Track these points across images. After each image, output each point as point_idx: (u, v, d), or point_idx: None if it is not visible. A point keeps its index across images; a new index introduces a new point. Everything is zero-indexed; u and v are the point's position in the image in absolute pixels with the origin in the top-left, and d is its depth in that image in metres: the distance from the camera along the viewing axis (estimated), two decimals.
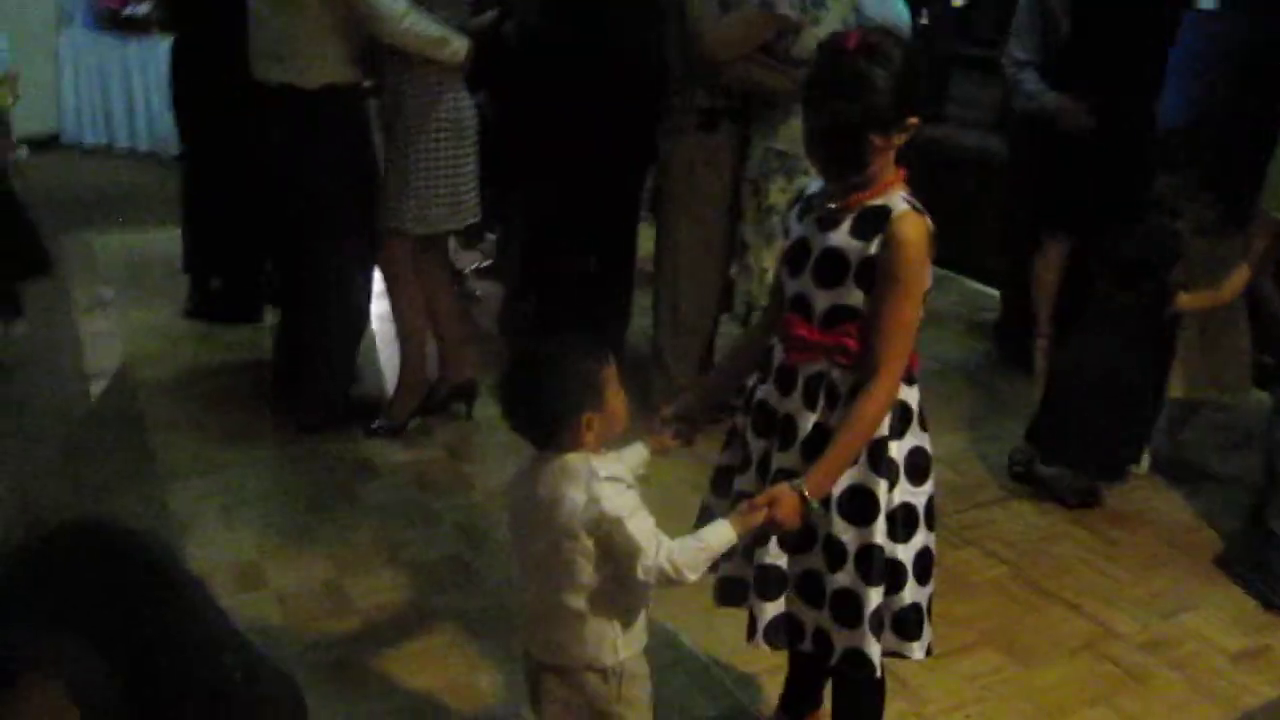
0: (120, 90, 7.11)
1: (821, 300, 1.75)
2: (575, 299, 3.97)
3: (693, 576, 1.65)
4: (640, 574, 1.62)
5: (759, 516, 1.70)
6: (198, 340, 4.23)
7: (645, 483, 1.79)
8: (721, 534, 1.69)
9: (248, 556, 2.82)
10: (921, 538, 1.83)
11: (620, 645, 1.74)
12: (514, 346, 1.55)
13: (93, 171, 6.78)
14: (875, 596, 1.78)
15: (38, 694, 1.03)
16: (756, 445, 1.89)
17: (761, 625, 1.85)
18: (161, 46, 6.87)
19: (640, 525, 1.62)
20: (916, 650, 1.86)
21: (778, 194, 3.31)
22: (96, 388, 3.77)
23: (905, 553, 1.80)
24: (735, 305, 3.60)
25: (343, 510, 3.07)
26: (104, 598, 1.11)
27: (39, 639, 1.06)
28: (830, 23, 3.19)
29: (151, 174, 6.72)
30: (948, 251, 1.81)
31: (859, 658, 1.81)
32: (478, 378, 3.64)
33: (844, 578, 1.79)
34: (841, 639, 1.82)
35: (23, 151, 5.69)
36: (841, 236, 1.73)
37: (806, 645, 1.89)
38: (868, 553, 1.78)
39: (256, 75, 3.21)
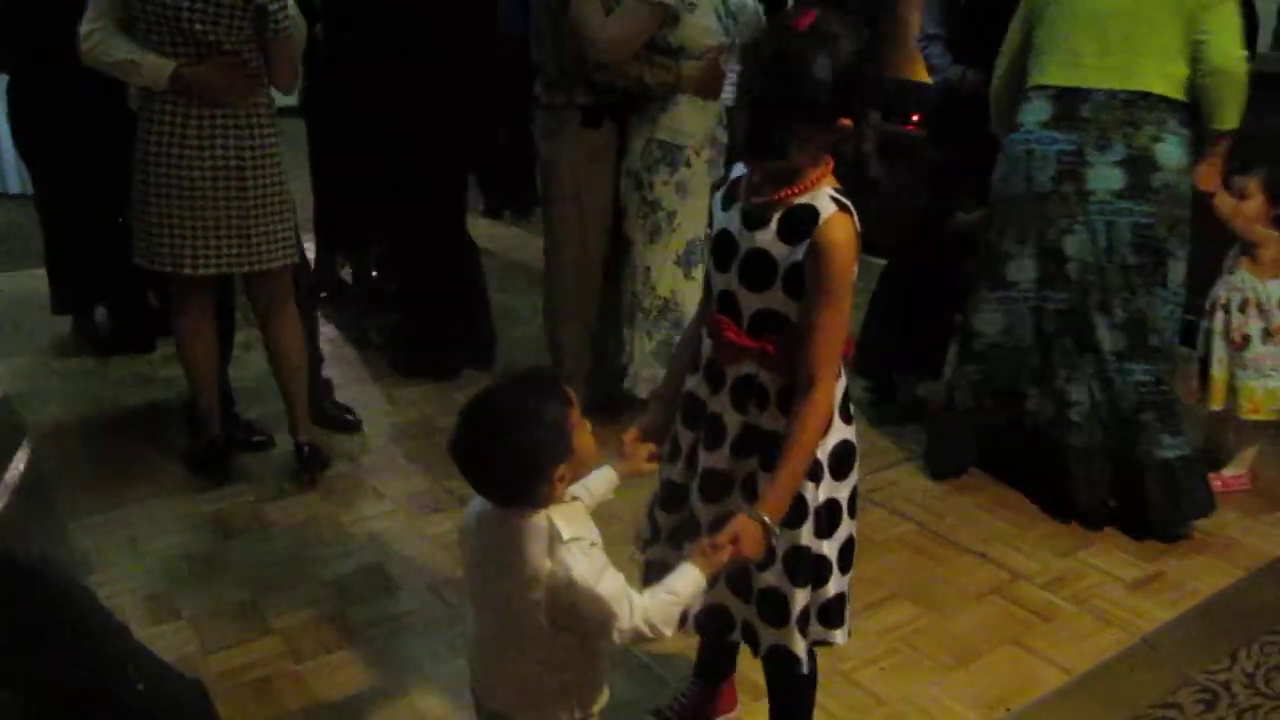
0: None
1: (749, 303, 1.73)
2: (435, 304, 4.08)
3: (669, 631, 1.58)
4: (616, 638, 1.54)
5: (724, 555, 1.64)
6: (86, 376, 4.12)
7: (609, 503, 1.77)
8: (691, 579, 1.62)
9: (159, 588, 2.76)
10: (845, 530, 1.84)
11: (576, 710, 1.66)
12: (473, 397, 1.48)
13: None
14: (802, 597, 1.80)
15: None
16: (685, 436, 1.88)
17: (693, 613, 1.86)
18: None
19: (610, 588, 1.52)
20: (839, 636, 1.88)
21: (661, 186, 3.35)
22: None
23: (830, 547, 1.81)
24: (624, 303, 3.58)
25: (251, 533, 3.03)
26: (3, 621, 1.11)
27: None
28: (704, 8, 3.26)
29: (21, 214, 6.50)
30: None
31: (785, 654, 1.84)
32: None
33: (770, 577, 1.80)
34: (768, 635, 1.85)
35: None
36: (768, 238, 1.68)
37: (736, 636, 1.91)
38: (795, 554, 1.78)
39: None
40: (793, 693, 2.01)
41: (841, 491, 1.82)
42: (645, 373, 3.47)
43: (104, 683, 1.06)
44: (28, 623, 1.10)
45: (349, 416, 3.67)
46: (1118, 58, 2.85)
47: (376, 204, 4.11)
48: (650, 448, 1.86)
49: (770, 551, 1.76)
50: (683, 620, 1.80)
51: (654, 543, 1.98)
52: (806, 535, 1.78)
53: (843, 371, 1.79)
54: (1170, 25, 2.80)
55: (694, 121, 3.33)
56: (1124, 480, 3.07)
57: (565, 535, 1.53)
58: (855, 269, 1.68)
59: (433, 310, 4.10)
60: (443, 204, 4.02)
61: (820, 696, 2.07)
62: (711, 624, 1.90)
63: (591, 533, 1.59)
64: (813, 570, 1.81)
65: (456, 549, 2.91)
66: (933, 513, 3.21)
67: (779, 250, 1.67)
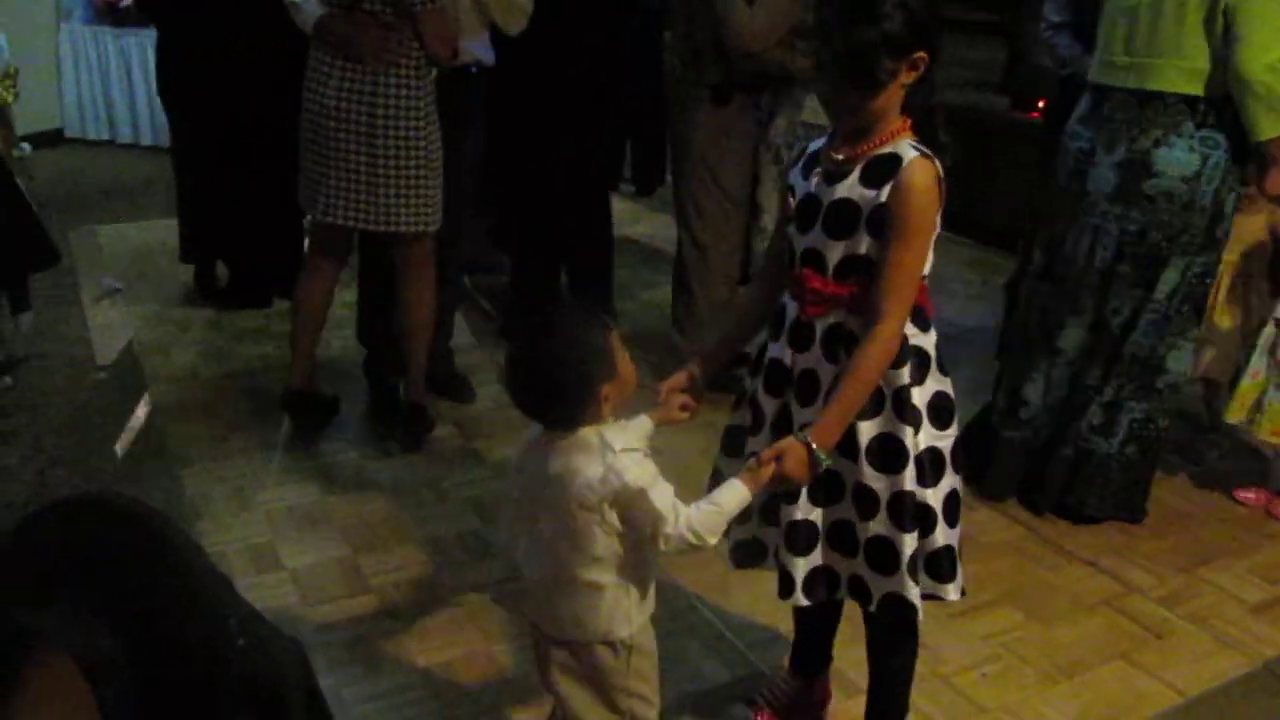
0: (121, 84, 7.11)
1: (834, 251, 1.75)
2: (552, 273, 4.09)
3: (713, 540, 1.64)
4: (662, 544, 1.61)
5: (768, 471, 1.68)
6: (206, 327, 4.23)
7: (656, 453, 1.77)
8: (736, 493, 1.67)
9: (262, 539, 2.82)
10: (949, 481, 1.83)
11: (634, 615, 1.73)
12: (514, 329, 1.51)
13: (96, 165, 6.79)
14: (910, 542, 1.79)
15: (49, 680, 1.03)
16: (770, 404, 1.88)
17: (799, 580, 1.85)
18: None
19: (661, 495, 1.60)
20: (951, 591, 1.86)
21: None
22: (109, 377, 3.77)
23: (935, 497, 1.80)
24: (751, 269, 3.62)
25: (355, 490, 3.07)
26: (102, 567, 1.11)
27: (41, 615, 1.05)
28: None
29: (154, 166, 6.72)
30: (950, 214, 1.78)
31: (899, 602, 1.82)
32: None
33: (877, 525, 1.80)
34: (879, 585, 1.83)
35: (25, 148, 5.69)
36: (850, 187, 1.72)
37: (842, 594, 1.90)
38: (899, 499, 1.78)
39: None
40: (900, 652, 1.98)
41: (944, 442, 1.81)
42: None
43: (205, 636, 1.06)
44: (133, 570, 1.10)
45: (466, 389, 3.66)
46: (1140, 57, 2.69)
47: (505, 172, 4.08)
48: (684, 398, 1.89)
49: (873, 500, 1.78)
50: (788, 589, 1.85)
51: (742, 520, 1.95)
52: (909, 481, 1.77)
53: (932, 325, 1.81)
54: (1196, 20, 2.59)
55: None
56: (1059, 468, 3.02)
57: (618, 446, 1.62)
58: (937, 218, 1.71)
59: (545, 279, 4.11)
60: (584, 175, 3.99)
61: (918, 698, 2.01)
62: (819, 588, 1.88)
63: (642, 447, 1.68)
64: (918, 517, 1.79)
65: None
66: (1044, 518, 3.08)
67: (862, 195, 1.71)
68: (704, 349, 2.00)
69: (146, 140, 7.20)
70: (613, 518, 1.62)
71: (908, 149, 1.70)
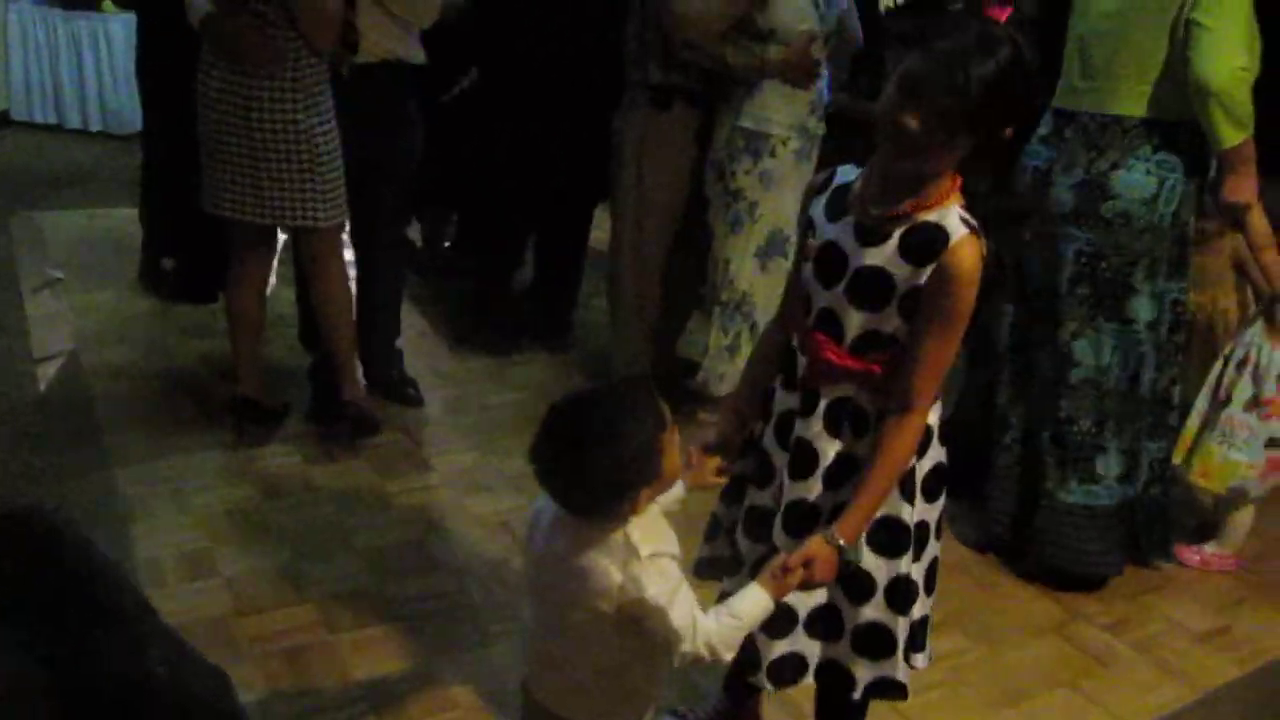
0: (70, 67, 6.93)
1: (855, 323, 1.62)
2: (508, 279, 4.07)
3: (729, 656, 1.53)
4: (676, 661, 1.50)
5: (795, 579, 1.56)
6: (150, 320, 4.12)
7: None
8: (757, 603, 1.55)
9: (199, 544, 2.74)
10: (931, 551, 1.78)
11: (630, 715, 1.62)
12: (559, 402, 1.41)
13: (42, 150, 6.61)
14: (904, 626, 1.73)
15: None
16: (780, 457, 1.77)
17: (766, 663, 1.77)
18: (112, 23, 6.76)
19: (680, 612, 1.46)
20: (920, 660, 1.81)
21: (744, 176, 3.26)
22: (45, 370, 3.66)
23: (919, 570, 1.75)
24: (707, 298, 3.55)
25: (297, 495, 3.00)
26: (31, 593, 1.06)
27: None
28: None
29: (103, 152, 6.58)
30: None
31: (890, 685, 1.76)
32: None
33: (871, 611, 1.72)
34: (868, 670, 1.76)
35: None
36: (887, 256, 1.57)
37: (808, 679, 1.81)
38: (896, 584, 1.71)
39: None
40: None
41: (931, 514, 1.76)
42: (719, 369, 3.41)
43: (124, 666, 1.00)
44: (59, 598, 1.05)
45: (412, 391, 3.60)
46: (1099, 80, 2.69)
47: (473, 172, 4.01)
48: (718, 461, 1.77)
49: (869, 585, 1.70)
50: (753, 668, 1.76)
51: (709, 539, 1.91)
52: (906, 563, 1.71)
53: (939, 393, 1.71)
54: (1155, 44, 2.57)
55: (781, 109, 3.22)
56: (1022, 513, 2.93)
57: (643, 551, 1.46)
58: (975, 292, 1.57)
59: (504, 285, 4.06)
60: (573, 180, 3.91)
61: None
62: (788, 673, 1.80)
63: (670, 545, 1.53)
64: (905, 596, 1.74)
65: (499, 530, 2.88)
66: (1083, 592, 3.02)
67: (899, 270, 1.57)
68: (732, 402, 1.87)
69: (95, 126, 7.03)
70: (623, 628, 1.49)
71: (956, 221, 1.54)
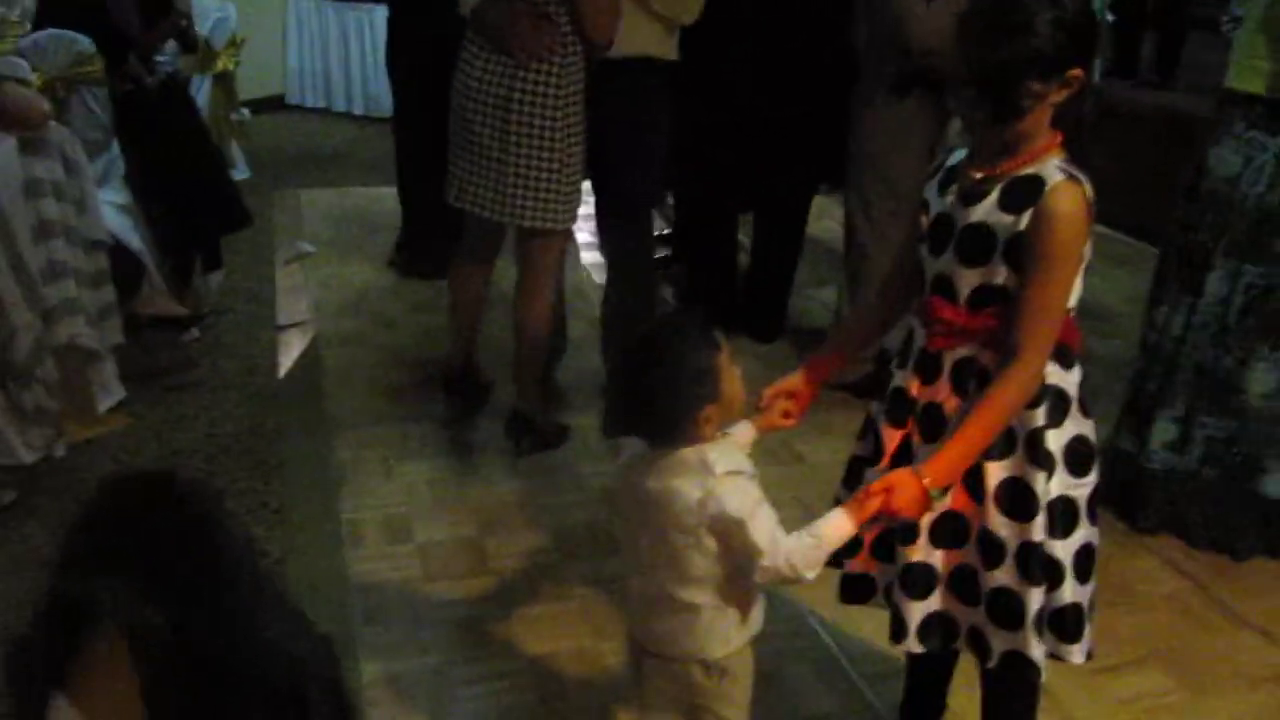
0: (339, 56, 7.45)
1: (967, 280, 1.63)
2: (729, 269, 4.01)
3: (811, 575, 1.55)
4: (758, 576, 1.55)
5: (875, 503, 1.57)
6: (385, 295, 4.37)
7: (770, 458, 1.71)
8: (838, 526, 1.57)
9: (399, 509, 2.89)
10: (1083, 533, 1.69)
11: (732, 637, 1.67)
12: (621, 341, 1.49)
13: (310, 132, 7.14)
14: (1037, 596, 1.66)
15: (103, 653, 1.06)
16: (891, 436, 1.77)
17: (913, 626, 1.74)
18: (377, 13, 7.19)
19: (760, 526, 1.53)
20: (1076, 654, 1.72)
21: None
22: (285, 337, 3.96)
23: (1064, 549, 1.67)
24: None
25: (495, 470, 3.11)
26: (158, 546, 1.14)
27: (98, 584, 1.09)
28: None
29: (364, 135, 7.04)
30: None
31: (1020, 660, 1.69)
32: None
33: (1003, 576, 1.67)
34: (1001, 641, 1.70)
35: (244, 113, 6.04)
36: (988, 210, 1.59)
37: (960, 644, 1.78)
38: (1027, 550, 1.65)
39: None
40: (1013, 707, 1.85)
41: (1079, 490, 1.68)
42: None
43: (235, 624, 1.06)
44: (184, 553, 1.12)
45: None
46: (1236, 54, 2.67)
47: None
48: (787, 405, 1.82)
49: (999, 548, 1.67)
50: (900, 634, 1.76)
51: (852, 552, 1.85)
52: (1039, 531, 1.65)
53: (1077, 362, 1.68)
54: (1266, 12, 2.52)
55: None
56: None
57: (719, 469, 1.56)
58: (1086, 245, 1.58)
59: (718, 271, 4.06)
60: (792, 164, 3.86)
61: None
62: (935, 636, 1.76)
63: (747, 466, 1.62)
64: (1046, 571, 1.66)
65: None
66: (1219, 573, 2.81)
67: (999, 220, 1.58)
68: (814, 357, 1.91)
69: (359, 110, 7.52)
70: (710, 542, 1.58)
71: (1053, 170, 1.55)
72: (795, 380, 1.85)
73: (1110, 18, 5.99)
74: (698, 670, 1.68)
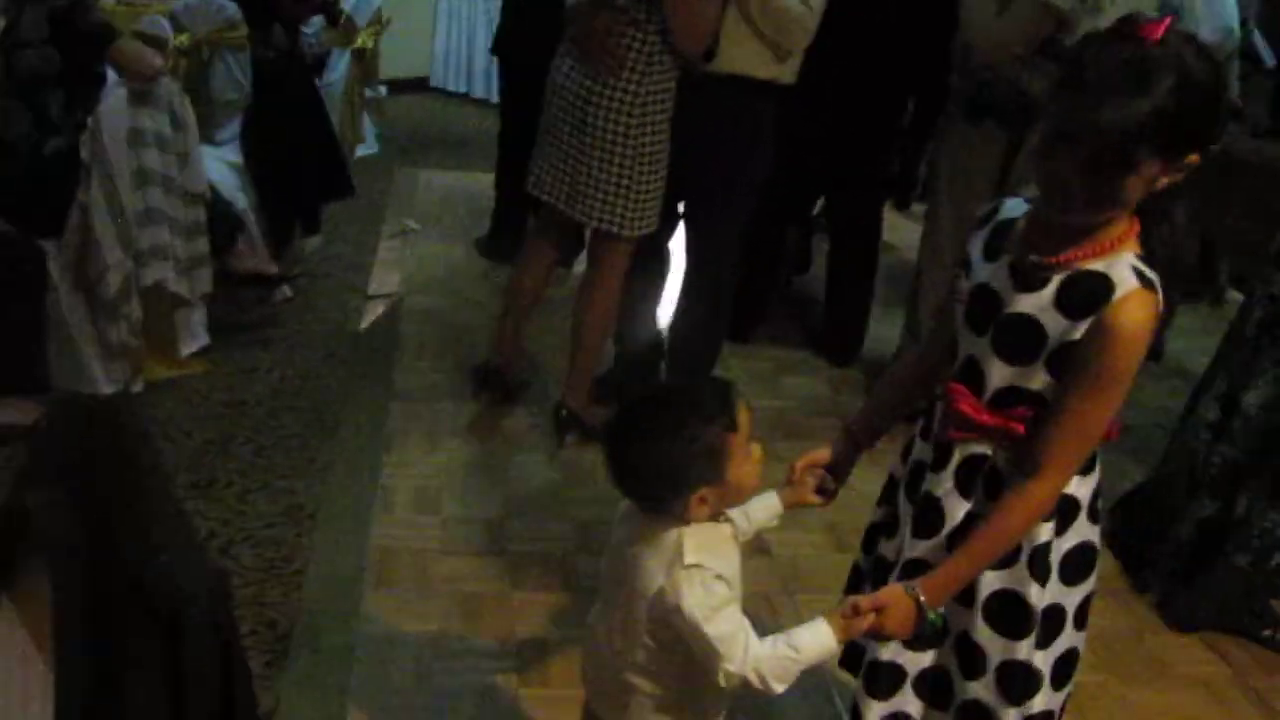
0: (484, 44, 7.64)
1: (998, 375, 1.47)
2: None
3: (779, 689, 1.42)
4: (721, 680, 1.43)
5: (865, 624, 1.44)
6: (475, 277, 4.47)
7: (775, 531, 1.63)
8: (819, 640, 1.43)
9: (432, 482, 2.97)
10: (1067, 640, 1.59)
11: None
12: (628, 392, 1.43)
13: (446, 115, 7.35)
14: (1013, 716, 1.57)
15: (35, 557, 1.15)
16: (906, 509, 1.65)
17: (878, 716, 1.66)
18: None
19: (722, 628, 1.41)
20: None
21: None
22: (373, 306, 4.10)
23: (1044, 658, 1.57)
24: None
25: (533, 459, 3.15)
26: (90, 466, 1.22)
27: (34, 494, 1.17)
28: (1112, 15, 2.86)
29: (493, 122, 7.18)
30: None
31: None
32: None
33: (980, 689, 1.58)
34: None
35: (381, 90, 6.26)
36: (1041, 304, 1.40)
37: None
38: (1012, 668, 1.55)
39: None
40: None
41: (1071, 598, 1.58)
42: None
43: (137, 545, 1.13)
44: (110, 477, 1.19)
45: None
46: None
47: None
48: (820, 478, 1.69)
49: (980, 660, 1.56)
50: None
51: None
52: (1025, 650, 1.54)
53: (1098, 466, 1.54)
54: None
55: None
56: None
57: (688, 559, 1.43)
58: (1142, 358, 1.38)
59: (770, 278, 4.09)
60: (849, 176, 3.83)
61: None
62: None
63: (723, 563, 1.47)
64: (1024, 685, 1.57)
65: None
66: (1261, 661, 2.66)
67: (1053, 322, 1.40)
68: (851, 421, 1.76)
69: (495, 98, 7.68)
70: (663, 635, 1.48)
71: (1125, 271, 1.35)
72: (830, 450, 1.71)
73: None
74: None
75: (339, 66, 5.46)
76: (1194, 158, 1.32)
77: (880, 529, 1.75)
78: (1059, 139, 1.31)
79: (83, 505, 1.17)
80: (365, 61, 5.84)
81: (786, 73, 3.04)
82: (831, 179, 3.82)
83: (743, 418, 1.47)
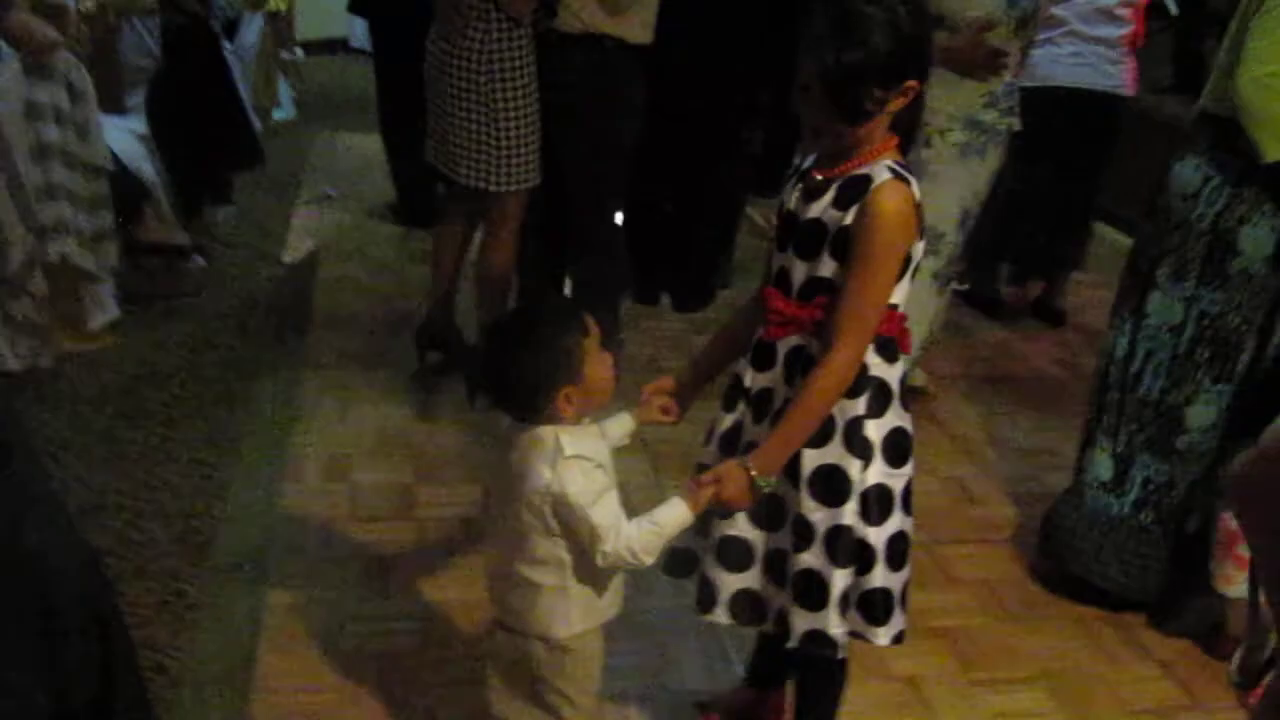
0: None
1: (799, 272, 1.71)
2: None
3: (650, 560, 1.66)
4: (599, 560, 1.64)
5: (707, 494, 1.68)
6: (386, 242, 4.49)
7: (634, 451, 1.78)
8: (675, 514, 1.67)
9: (343, 450, 3.01)
10: (897, 522, 1.76)
11: (574, 620, 1.73)
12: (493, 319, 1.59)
13: (366, 77, 7.22)
14: (841, 578, 1.74)
15: None
16: (721, 420, 1.87)
17: (723, 598, 1.84)
18: None
19: (601, 511, 1.63)
20: (881, 636, 1.79)
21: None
22: (284, 274, 4.10)
23: (877, 535, 1.74)
24: None
25: (446, 423, 3.21)
26: None
27: None
28: None
29: None
30: None
31: (821, 639, 1.76)
32: None
33: (809, 558, 1.75)
34: (803, 620, 1.77)
35: (298, 53, 6.19)
36: (822, 207, 1.68)
37: (768, 626, 1.85)
38: (836, 533, 1.73)
39: None
40: (822, 681, 1.95)
41: (895, 480, 1.75)
42: None
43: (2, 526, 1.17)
44: None
45: None
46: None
47: None
48: (666, 401, 1.89)
49: (809, 532, 1.73)
50: (708, 604, 1.86)
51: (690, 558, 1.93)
52: (850, 516, 1.72)
53: (900, 357, 1.75)
54: (1235, 38, 2.40)
55: (941, 99, 3.02)
56: None
57: (568, 451, 1.64)
58: (909, 245, 1.65)
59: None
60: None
61: None
62: (744, 611, 1.85)
63: (598, 454, 1.69)
64: (855, 554, 1.74)
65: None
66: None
67: (830, 215, 1.67)
68: (698, 355, 1.99)
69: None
70: (554, 524, 1.66)
71: (882, 170, 1.64)
72: (674, 381, 1.92)
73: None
74: (539, 647, 1.75)
75: (251, 30, 5.40)
76: (913, 83, 1.62)
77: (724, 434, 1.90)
78: (801, 88, 1.62)
79: None
80: (279, 24, 5.79)
81: (634, 30, 3.07)
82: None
83: (590, 325, 1.69)
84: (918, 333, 2.92)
